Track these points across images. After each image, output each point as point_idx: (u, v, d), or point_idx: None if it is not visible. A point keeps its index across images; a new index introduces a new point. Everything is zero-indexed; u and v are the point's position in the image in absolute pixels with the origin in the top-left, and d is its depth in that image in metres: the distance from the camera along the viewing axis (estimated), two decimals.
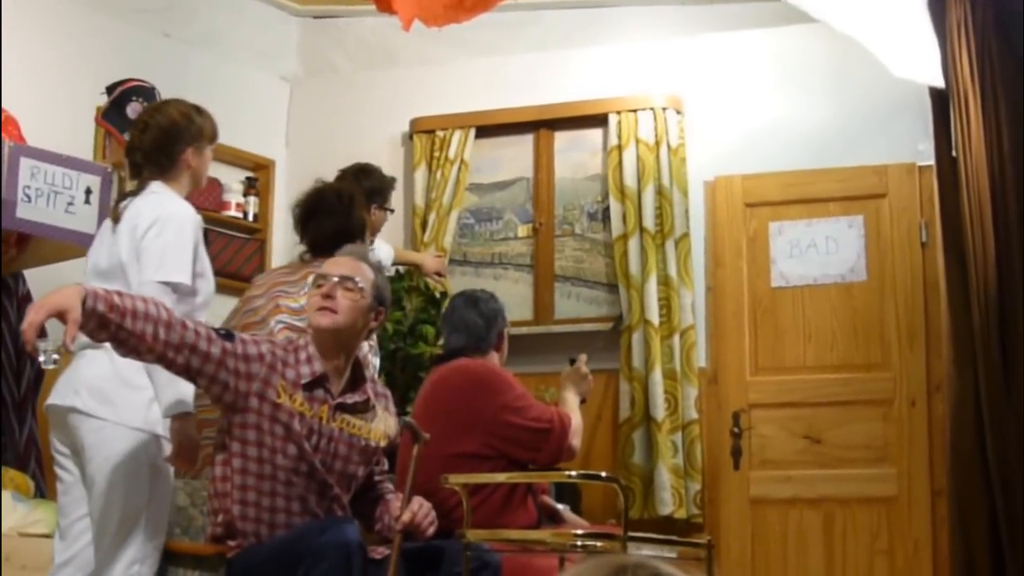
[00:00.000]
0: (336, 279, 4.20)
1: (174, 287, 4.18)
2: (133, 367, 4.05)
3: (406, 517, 4.10)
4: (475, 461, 4.86)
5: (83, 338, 4.09)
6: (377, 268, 4.41)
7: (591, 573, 1.58)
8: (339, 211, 5.21)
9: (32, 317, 3.57)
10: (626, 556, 1.58)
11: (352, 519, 4.08)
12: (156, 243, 4.20)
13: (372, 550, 4.14)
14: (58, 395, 4.26)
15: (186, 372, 3.93)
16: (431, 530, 4.17)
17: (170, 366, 3.90)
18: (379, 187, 6.13)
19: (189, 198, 4.49)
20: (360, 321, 4.23)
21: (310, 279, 4.83)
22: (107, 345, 3.93)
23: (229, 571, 4.09)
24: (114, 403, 4.13)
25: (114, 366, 4.08)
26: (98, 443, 4.12)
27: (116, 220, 4.35)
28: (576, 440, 5.05)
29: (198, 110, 4.60)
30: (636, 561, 1.56)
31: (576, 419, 5.08)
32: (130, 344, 3.78)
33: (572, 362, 5.39)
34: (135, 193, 4.41)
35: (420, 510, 4.14)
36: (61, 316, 3.58)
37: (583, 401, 5.31)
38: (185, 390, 4.08)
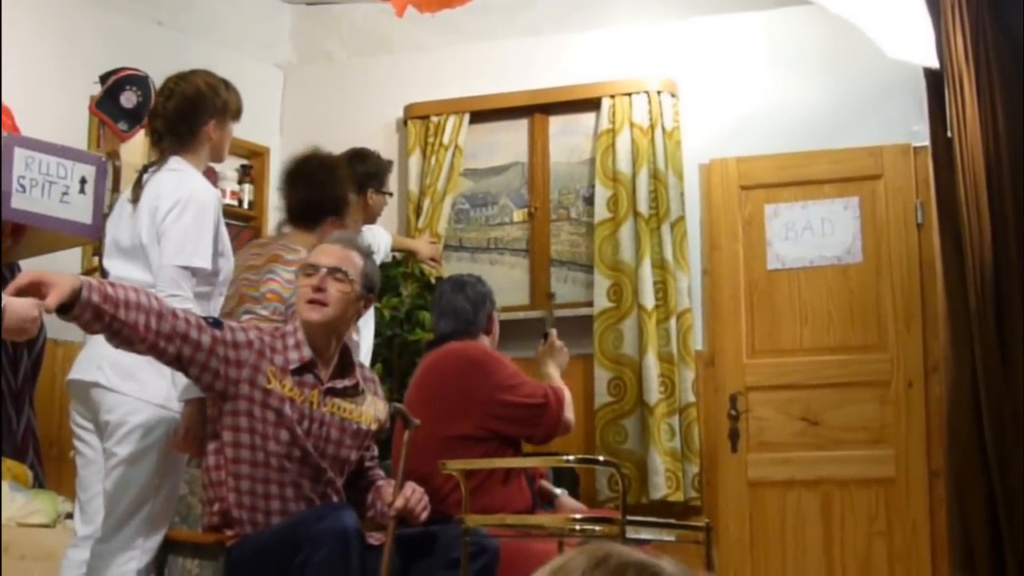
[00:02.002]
0: (325, 270, 4.19)
1: (193, 271, 4.20)
2: None
3: (399, 503, 4.11)
4: (470, 443, 4.88)
5: None
6: (366, 254, 4.38)
7: (562, 560, 1.65)
8: (317, 181, 5.07)
9: (18, 281, 3.56)
10: (592, 543, 1.67)
11: (349, 505, 4.08)
12: (176, 227, 4.21)
13: (369, 536, 4.15)
14: (80, 370, 4.29)
15: (177, 362, 3.94)
16: (424, 515, 4.17)
17: (161, 356, 3.90)
18: (376, 171, 6.05)
19: None
20: (350, 310, 4.23)
21: (273, 267, 4.80)
22: None
23: (228, 560, 4.10)
24: (137, 379, 4.16)
25: None
26: (120, 418, 4.16)
27: (136, 197, 4.35)
28: (570, 413, 5.10)
29: (226, 84, 4.59)
30: (597, 544, 1.63)
31: (567, 392, 5.12)
32: (123, 334, 3.78)
33: (545, 337, 5.44)
34: (155, 168, 4.40)
35: (413, 495, 4.15)
36: (47, 289, 3.56)
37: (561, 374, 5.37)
38: None
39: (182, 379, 4.10)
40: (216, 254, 4.32)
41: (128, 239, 4.35)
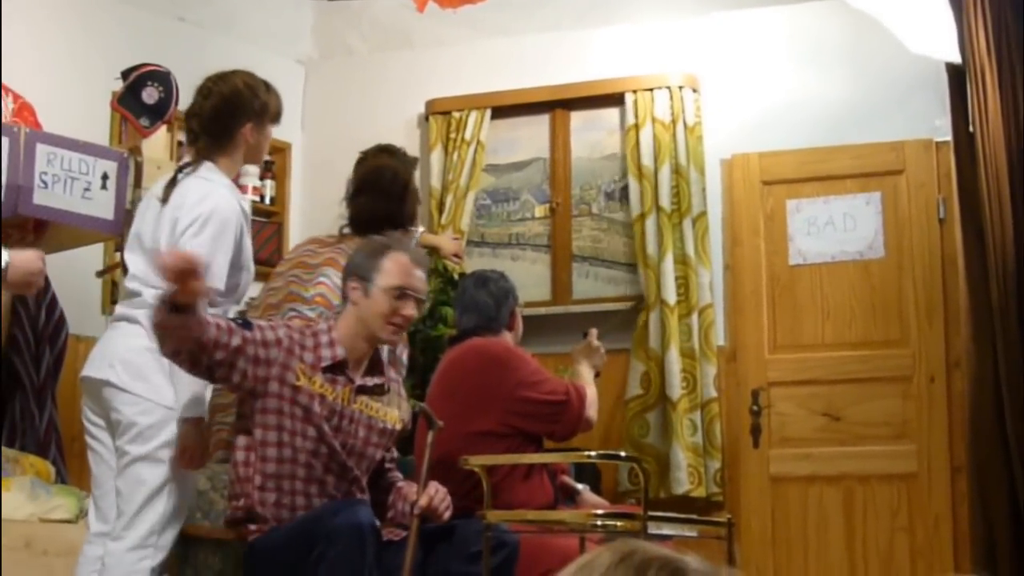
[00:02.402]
0: (415, 302, 4.24)
1: None
2: None
3: (423, 501, 4.11)
4: (492, 439, 4.88)
5: (119, 309, 4.14)
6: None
7: (588, 557, 1.66)
8: (394, 196, 5.08)
9: (176, 259, 3.62)
10: (617, 539, 1.69)
11: (367, 501, 4.09)
12: (192, 244, 4.14)
13: (390, 531, 4.15)
14: (93, 367, 4.28)
15: (207, 371, 3.95)
16: (447, 514, 4.17)
17: (194, 367, 3.91)
18: None
19: None
20: None
21: (326, 270, 4.80)
22: (142, 318, 3.98)
23: (248, 554, 4.11)
24: (148, 380, 4.15)
25: (149, 341, 4.05)
26: (131, 417, 4.15)
27: (167, 197, 4.32)
28: (592, 411, 5.09)
29: (266, 86, 4.50)
30: (622, 540, 1.65)
31: (591, 391, 5.12)
32: (186, 345, 3.81)
33: (585, 336, 5.43)
34: (190, 170, 4.35)
35: (436, 495, 4.14)
36: (197, 280, 3.62)
37: (597, 374, 5.34)
38: (202, 392, 4.11)
39: (184, 387, 4.10)
40: (236, 269, 4.30)
41: (150, 239, 4.33)
